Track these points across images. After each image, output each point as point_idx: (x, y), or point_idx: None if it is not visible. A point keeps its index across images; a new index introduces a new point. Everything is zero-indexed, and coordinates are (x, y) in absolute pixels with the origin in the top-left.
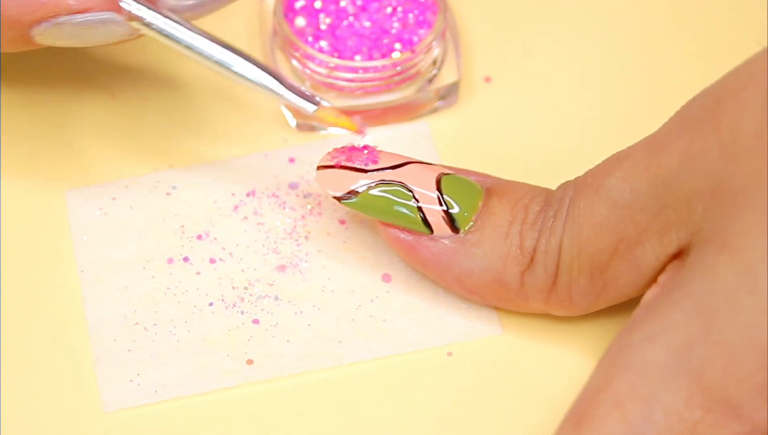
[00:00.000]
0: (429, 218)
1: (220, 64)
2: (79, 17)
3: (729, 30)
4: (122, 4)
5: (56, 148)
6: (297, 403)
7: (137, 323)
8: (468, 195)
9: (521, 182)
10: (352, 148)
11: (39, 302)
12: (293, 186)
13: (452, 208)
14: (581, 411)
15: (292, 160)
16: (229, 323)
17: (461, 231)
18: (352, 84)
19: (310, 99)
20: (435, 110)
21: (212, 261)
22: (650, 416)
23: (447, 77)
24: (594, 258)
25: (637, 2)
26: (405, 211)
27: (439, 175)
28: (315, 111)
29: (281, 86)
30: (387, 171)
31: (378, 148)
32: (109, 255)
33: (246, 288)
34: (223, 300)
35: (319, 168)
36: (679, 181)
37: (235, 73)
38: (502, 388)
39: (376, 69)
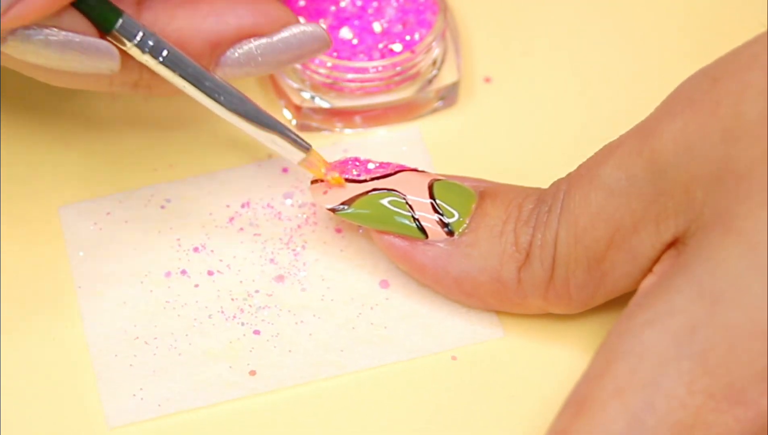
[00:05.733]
0: (424, 224)
1: (217, 105)
2: (68, 35)
3: (730, 31)
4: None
5: (48, 162)
6: (301, 414)
7: (137, 338)
8: (461, 199)
9: (514, 185)
10: (345, 161)
11: (38, 320)
12: (288, 196)
13: (446, 212)
14: (580, 398)
15: (285, 171)
16: (230, 335)
17: (456, 234)
18: (352, 84)
19: (302, 145)
20: (435, 110)
21: (210, 273)
22: (651, 402)
23: (447, 77)
24: (590, 249)
25: (638, 3)
26: (400, 218)
27: (431, 181)
28: (303, 159)
29: (277, 128)
30: (379, 180)
31: (371, 160)
32: (106, 270)
33: (245, 299)
34: (222, 312)
35: (313, 181)
36: (676, 167)
37: (229, 113)
38: (506, 391)
39: (376, 69)
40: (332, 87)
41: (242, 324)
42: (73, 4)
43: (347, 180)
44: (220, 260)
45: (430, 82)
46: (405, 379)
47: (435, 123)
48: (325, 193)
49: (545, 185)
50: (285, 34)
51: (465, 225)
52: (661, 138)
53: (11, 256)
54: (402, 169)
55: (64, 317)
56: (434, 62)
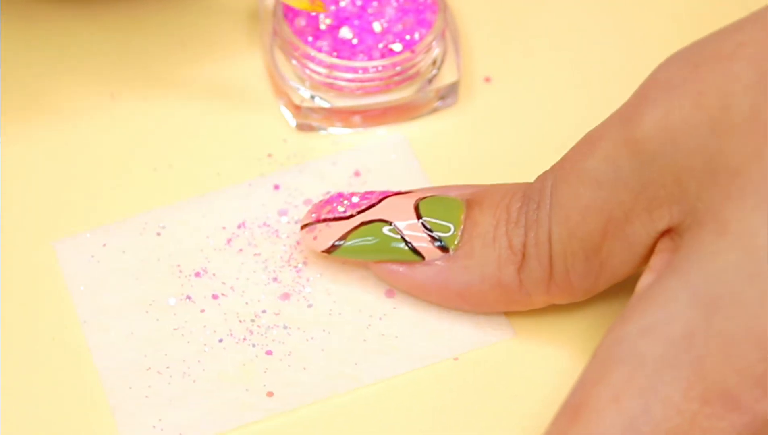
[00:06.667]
0: (417, 246)
1: None
2: None
3: None
4: None
5: (40, 194)
6: (321, 430)
7: (149, 368)
8: (449, 211)
9: (498, 185)
10: (328, 201)
11: (45, 358)
12: (282, 213)
13: (437, 228)
14: (576, 404)
15: (277, 187)
16: (242, 357)
17: (450, 249)
18: (352, 84)
19: None
20: (435, 110)
21: (215, 297)
22: (647, 409)
23: (447, 77)
24: (586, 241)
25: (638, 2)
26: (393, 244)
27: (416, 201)
28: None
29: None
30: (365, 212)
31: (354, 193)
32: (109, 302)
33: (253, 320)
34: (232, 335)
35: (302, 228)
36: (663, 157)
37: None
38: (518, 392)
39: (375, 69)
40: (332, 86)
41: (253, 345)
42: None
43: (334, 219)
44: (223, 283)
45: (429, 81)
46: (419, 386)
47: (434, 123)
48: (315, 238)
49: None
50: None
51: (458, 238)
52: (643, 126)
53: (11, 294)
54: (386, 196)
55: (73, 353)
56: (434, 62)
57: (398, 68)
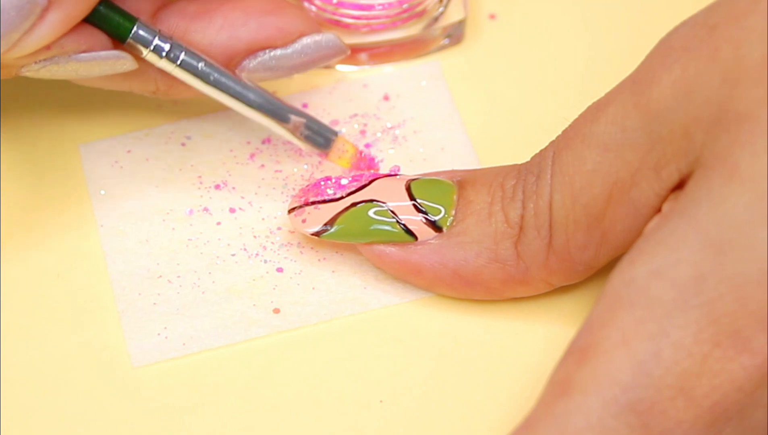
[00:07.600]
0: (410, 227)
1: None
2: (84, 55)
3: None
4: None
5: (67, 101)
6: (324, 351)
7: (161, 276)
8: (441, 192)
9: (489, 167)
10: (317, 183)
11: (60, 258)
12: None
13: (430, 209)
14: (584, 347)
15: (305, 106)
16: (253, 272)
17: (444, 229)
18: (359, 21)
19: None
20: (441, 48)
21: (232, 210)
22: (658, 352)
23: (453, 15)
24: (589, 207)
25: None
26: (385, 227)
27: (407, 182)
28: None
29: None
30: (356, 193)
31: (343, 175)
32: (128, 208)
33: (267, 236)
34: (245, 249)
35: (290, 211)
36: (673, 112)
37: (253, 111)
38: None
39: (382, 6)
40: (338, 24)
41: (265, 261)
42: (86, 20)
43: (323, 201)
44: (242, 197)
45: (436, 19)
46: (427, 315)
47: (442, 61)
48: (304, 221)
49: (553, 121)
50: (298, 45)
51: (451, 218)
52: (659, 87)
53: (34, 194)
54: (376, 177)
55: (87, 257)
56: (440, 0)
57: (405, 5)
